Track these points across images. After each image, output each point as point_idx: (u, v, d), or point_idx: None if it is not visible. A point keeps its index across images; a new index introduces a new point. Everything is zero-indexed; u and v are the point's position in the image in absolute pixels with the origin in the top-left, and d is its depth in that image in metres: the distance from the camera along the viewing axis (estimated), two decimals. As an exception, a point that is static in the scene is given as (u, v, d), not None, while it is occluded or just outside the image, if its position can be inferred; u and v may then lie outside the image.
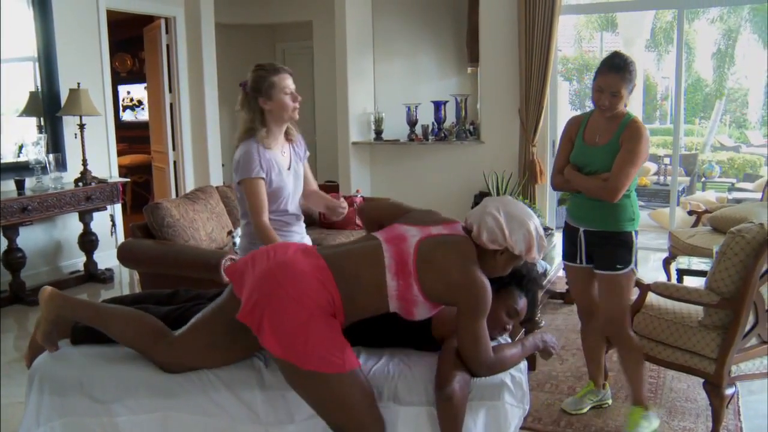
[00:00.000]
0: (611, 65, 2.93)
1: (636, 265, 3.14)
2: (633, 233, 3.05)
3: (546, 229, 4.55)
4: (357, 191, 5.83)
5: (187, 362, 2.23)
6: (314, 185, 3.24)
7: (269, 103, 2.88)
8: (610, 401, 3.43)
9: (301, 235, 3.12)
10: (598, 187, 2.99)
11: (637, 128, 2.97)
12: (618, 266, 3.02)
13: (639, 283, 3.28)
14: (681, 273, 4.62)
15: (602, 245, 3.06)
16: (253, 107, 2.91)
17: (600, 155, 3.02)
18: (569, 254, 3.23)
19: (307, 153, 3.18)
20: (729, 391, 3.00)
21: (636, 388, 3.13)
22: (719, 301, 2.93)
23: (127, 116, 10.62)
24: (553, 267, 4.21)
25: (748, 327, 2.94)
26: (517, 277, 2.34)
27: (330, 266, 2.11)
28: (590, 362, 3.44)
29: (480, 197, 6.83)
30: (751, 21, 13.86)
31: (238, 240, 4.35)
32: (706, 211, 5.52)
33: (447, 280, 2.08)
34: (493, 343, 2.20)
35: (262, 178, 2.88)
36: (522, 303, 2.36)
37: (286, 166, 3.00)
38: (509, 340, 2.48)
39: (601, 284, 3.12)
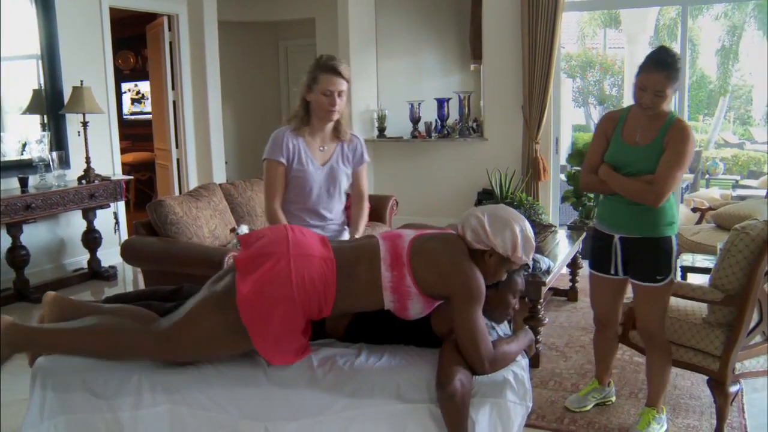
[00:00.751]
0: (657, 62, 2.70)
1: (674, 272, 2.97)
2: (673, 238, 2.90)
3: (549, 226, 4.54)
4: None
5: (186, 357, 2.24)
6: (362, 193, 3.20)
7: (310, 95, 2.91)
8: (613, 398, 3.43)
9: (322, 234, 3.06)
10: (643, 190, 2.80)
11: (684, 129, 2.79)
12: (659, 277, 2.88)
13: (643, 280, 3.29)
14: (685, 270, 4.62)
15: (641, 253, 2.90)
16: (303, 95, 2.95)
17: (642, 156, 2.84)
18: (600, 263, 3.06)
19: (366, 159, 3.16)
20: (733, 389, 2.99)
21: (657, 390, 3.08)
22: (723, 298, 2.92)
23: (134, 108, 10.62)
24: (557, 264, 4.19)
25: (752, 324, 2.93)
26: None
27: (336, 258, 2.20)
28: (599, 363, 3.39)
29: (483, 195, 6.83)
30: (756, 17, 13.81)
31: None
32: (710, 209, 5.51)
33: (438, 270, 2.16)
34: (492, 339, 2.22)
35: (280, 163, 2.91)
36: (521, 281, 2.44)
37: (321, 161, 3.00)
38: (509, 332, 2.50)
39: (640, 295, 2.98)
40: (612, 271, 3.01)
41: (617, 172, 2.89)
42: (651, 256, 2.87)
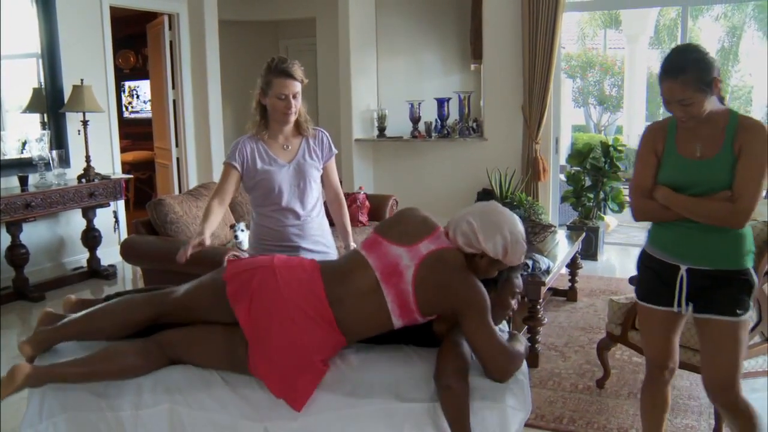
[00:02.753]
0: (668, 70, 2.31)
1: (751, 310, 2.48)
2: (751, 270, 2.41)
3: (549, 226, 4.54)
4: (360, 188, 5.83)
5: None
6: (336, 191, 3.20)
7: (266, 99, 2.92)
8: None
9: (301, 233, 3.04)
10: (722, 210, 2.30)
11: (755, 126, 2.33)
12: (738, 311, 2.37)
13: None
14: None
15: (716, 287, 2.40)
16: (258, 99, 2.96)
17: (711, 171, 2.34)
18: (657, 296, 2.51)
19: (334, 151, 3.16)
20: (732, 389, 2.98)
21: None
22: (722, 298, 2.91)
23: (134, 106, 10.63)
24: (556, 264, 4.20)
25: (751, 325, 2.94)
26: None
27: (335, 316, 2.19)
28: (649, 423, 2.77)
29: (483, 195, 6.83)
30: (756, 18, 13.82)
31: (239, 234, 4.36)
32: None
33: (449, 301, 2.17)
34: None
35: (233, 166, 2.95)
36: (519, 281, 2.44)
37: (287, 159, 3.00)
38: (507, 331, 2.55)
39: (712, 334, 2.44)
40: (674, 305, 2.48)
41: (681, 193, 2.39)
42: (729, 290, 2.38)
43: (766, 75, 12.73)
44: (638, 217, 2.55)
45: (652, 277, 2.54)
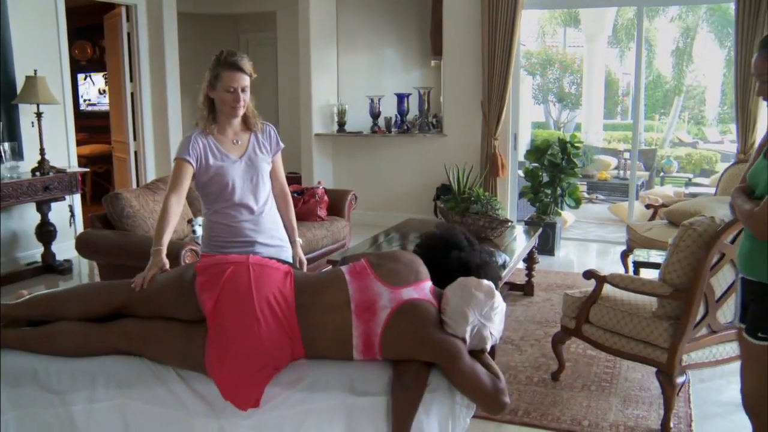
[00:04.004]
0: (761, 44, 2.22)
1: None
2: None
3: (505, 221, 4.60)
4: (319, 183, 5.82)
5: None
6: (282, 185, 3.19)
7: (214, 93, 2.88)
8: None
9: (256, 227, 3.02)
10: (746, 214, 2.21)
11: None
12: (761, 335, 2.25)
13: (595, 275, 3.35)
14: (637, 265, 4.73)
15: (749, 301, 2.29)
16: (206, 93, 2.91)
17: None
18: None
19: (281, 145, 3.13)
20: (680, 380, 3.09)
21: None
22: (672, 292, 3.01)
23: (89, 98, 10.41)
24: (513, 259, 4.26)
25: (698, 317, 3.03)
26: (472, 268, 2.39)
27: (303, 338, 2.20)
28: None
29: (442, 190, 6.88)
30: (708, 21, 14.17)
31: (197, 228, 4.32)
32: (663, 205, 5.64)
33: (418, 352, 2.17)
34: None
35: (187, 161, 2.87)
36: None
37: (238, 153, 2.98)
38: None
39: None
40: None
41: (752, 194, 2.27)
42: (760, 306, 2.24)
43: (719, 76, 13.06)
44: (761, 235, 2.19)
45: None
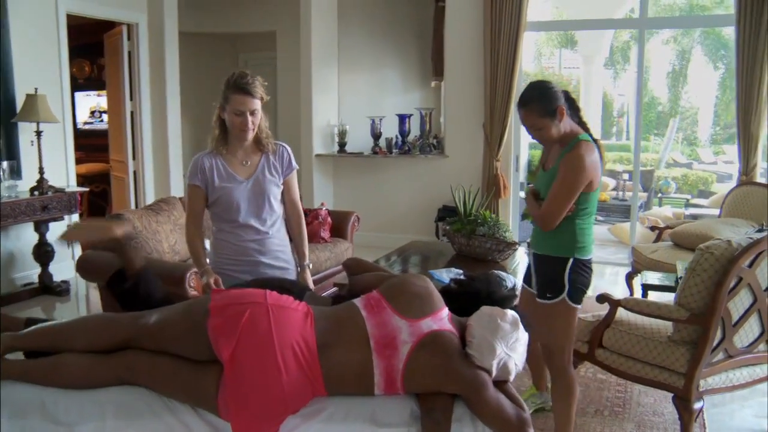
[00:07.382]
0: (518, 101, 2.81)
1: None
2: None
3: (512, 244, 4.55)
4: (321, 204, 5.77)
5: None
6: (295, 207, 3.14)
7: (224, 114, 2.89)
8: (550, 403, 3.36)
9: (262, 248, 3.00)
10: (535, 213, 2.98)
11: (572, 155, 2.80)
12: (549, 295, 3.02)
13: (609, 299, 3.31)
14: (646, 288, 4.68)
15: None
16: (218, 114, 2.92)
17: (547, 181, 2.93)
18: None
19: (294, 166, 3.10)
20: (697, 405, 3.03)
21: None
22: (689, 316, 2.97)
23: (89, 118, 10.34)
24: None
25: (715, 342, 2.98)
26: (492, 299, 2.34)
27: (324, 378, 2.10)
28: (533, 370, 3.58)
29: (444, 211, 6.83)
30: (702, 43, 14.29)
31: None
32: (667, 227, 5.62)
33: (443, 385, 2.11)
34: None
35: (197, 186, 2.94)
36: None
37: (245, 175, 2.96)
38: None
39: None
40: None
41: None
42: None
43: (712, 97, 13.14)
44: None
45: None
